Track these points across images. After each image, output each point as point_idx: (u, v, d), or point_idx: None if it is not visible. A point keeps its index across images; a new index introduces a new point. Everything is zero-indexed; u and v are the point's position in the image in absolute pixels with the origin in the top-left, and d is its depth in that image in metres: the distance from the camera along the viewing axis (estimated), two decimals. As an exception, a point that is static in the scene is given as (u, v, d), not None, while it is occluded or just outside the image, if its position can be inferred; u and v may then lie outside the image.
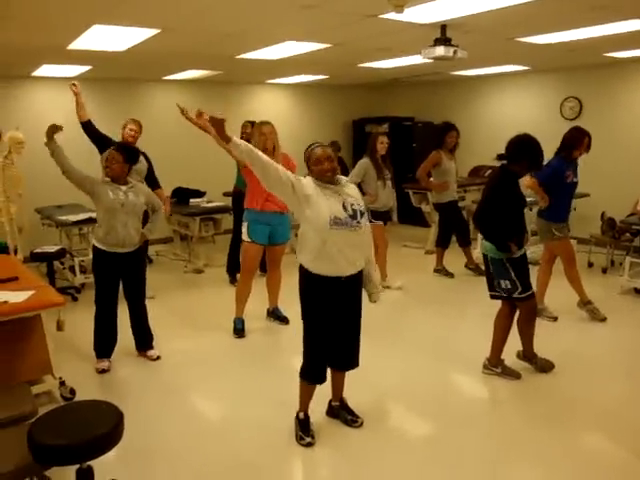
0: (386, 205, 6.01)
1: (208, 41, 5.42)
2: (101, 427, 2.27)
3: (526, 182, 4.93)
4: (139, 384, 4.11)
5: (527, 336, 4.05)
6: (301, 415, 3.32)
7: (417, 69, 8.04)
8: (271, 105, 9.91)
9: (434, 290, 6.29)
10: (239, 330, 4.90)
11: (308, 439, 3.23)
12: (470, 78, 9.26)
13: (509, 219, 3.75)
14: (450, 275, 6.56)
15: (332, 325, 3.16)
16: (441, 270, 6.63)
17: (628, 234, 6.71)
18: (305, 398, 3.31)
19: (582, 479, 2.93)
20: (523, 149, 3.72)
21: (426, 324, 5.24)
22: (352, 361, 3.32)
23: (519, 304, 3.90)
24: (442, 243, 6.63)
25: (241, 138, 2.94)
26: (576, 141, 4.87)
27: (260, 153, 2.92)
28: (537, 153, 3.71)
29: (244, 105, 9.48)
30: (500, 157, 3.83)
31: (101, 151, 5.24)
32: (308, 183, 3.03)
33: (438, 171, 6.36)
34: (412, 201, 7.98)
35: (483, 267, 4.09)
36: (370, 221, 5.95)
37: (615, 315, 5.30)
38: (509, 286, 3.80)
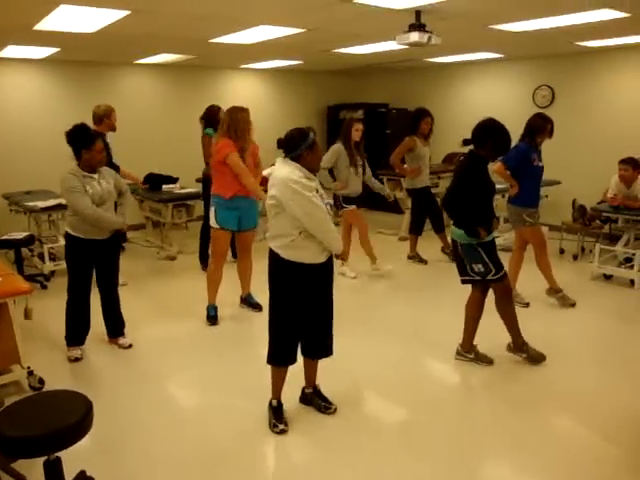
0: (357, 192, 5.99)
1: (180, 24, 5.32)
2: (69, 417, 2.23)
3: (494, 167, 4.98)
4: (111, 372, 4.06)
5: (509, 317, 4.00)
6: (274, 402, 3.31)
7: (392, 55, 8.01)
8: (245, 90, 9.80)
9: (407, 277, 6.31)
10: (212, 317, 4.86)
11: (281, 426, 3.22)
12: (445, 65, 9.27)
13: (478, 204, 3.77)
14: (424, 262, 6.60)
15: (303, 312, 3.15)
16: (415, 257, 6.67)
17: (598, 221, 6.81)
18: (277, 385, 3.30)
19: (552, 462, 2.97)
20: (486, 132, 3.73)
21: (400, 311, 5.27)
22: (324, 349, 3.33)
23: (494, 286, 3.92)
24: (415, 230, 6.66)
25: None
26: (539, 127, 4.93)
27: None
28: (501, 136, 3.71)
29: (217, 90, 9.35)
30: (465, 142, 3.86)
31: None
32: (309, 184, 3.00)
33: (412, 157, 6.36)
34: (386, 187, 7.98)
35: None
36: (342, 206, 6.04)
37: (585, 301, 5.39)
38: (482, 269, 3.82)
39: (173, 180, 7.57)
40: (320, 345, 3.31)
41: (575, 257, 6.93)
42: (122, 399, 3.66)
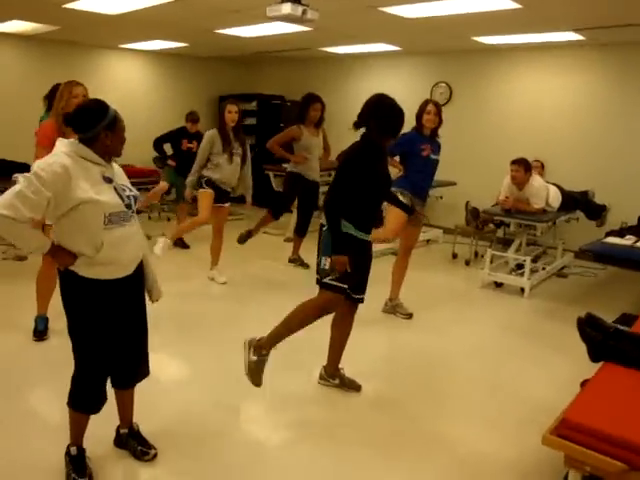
0: (228, 182, 5.27)
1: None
2: None
3: None
4: None
5: (293, 324, 3.14)
6: (73, 450, 2.54)
7: (282, 41, 7.41)
8: (125, 74, 8.92)
9: (281, 282, 5.60)
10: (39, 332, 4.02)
11: None
12: (343, 57, 8.78)
13: (361, 199, 3.09)
14: (305, 266, 5.86)
15: (114, 335, 2.43)
16: (296, 260, 6.00)
17: (492, 225, 6.51)
18: (78, 428, 2.54)
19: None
20: (369, 109, 3.13)
21: (259, 321, 4.56)
22: (141, 371, 2.63)
23: (321, 291, 3.13)
24: (300, 231, 6.00)
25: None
26: (420, 108, 4.51)
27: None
28: (387, 112, 3.10)
29: (93, 72, 8.41)
30: (355, 125, 3.23)
31: None
32: (60, 174, 2.16)
33: (298, 147, 5.68)
34: (273, 184, 7.35)
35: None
36: (201, 186, 5.15)
37: (473, 311, 5.01)
38: (327, 267, 3.06)
39: (28, 168, 6.58)
40: (136, 367, 2.61)
41: (467, 262, 6.58)
42: None
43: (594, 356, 2.71)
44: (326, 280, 3.10)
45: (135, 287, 2.49)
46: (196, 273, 5.67)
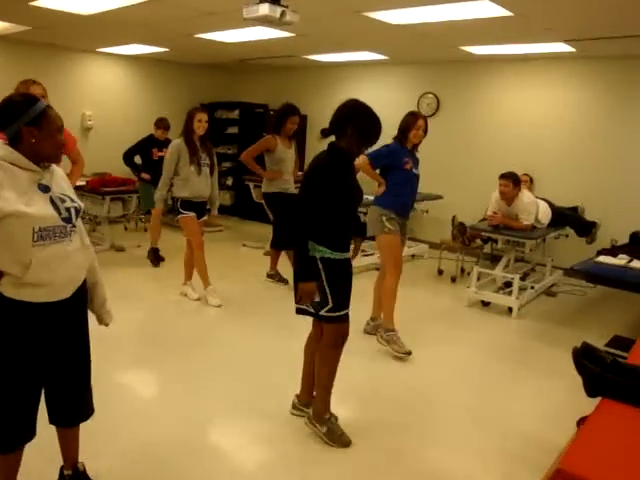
0: (201, 195, 4.98)
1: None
2: None
3: (358, 160, 4.18)
4: None
5: (325, 373, 2.94)
6: (4, 498, 2.25)
7: (265, 48, 7.18)
8: (105, 78, 8.64)
9: (258, 300, 5.27)
10: None
11: None
12: (328, 65, 8.56)
13: (332, 214, 2.79)
14: (284, 281, 5.58)
15: (40, 367, 2.12)
16: (274, 275, 5.69)
17: (479, 240, 6.27)
18: (9, 473, 2.21)
19: None
20: (346, 115, 2.84)
21: (237, 344, 4.25)
22: (84, 410, 2.32)
23: (325, 326, 2.91)
24: (277, 244, 5.69)
25: None
26: (409, 124, 4.20)
27: None
28: (366, 118, 2.83)
29: (70, 76, 8.16)
30: (324, 132, 2.94)
31: None
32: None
33: (272, 158, 5.39)
34: (253, 195, 7.08)
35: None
36: (179, 212, 5.00)
37: (458, 334, 4.74)
38: (317, 298, 2.84)
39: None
40: (77, 404, 2.29)
41: (453, 279, 6.33)
42: None
43: (591, 391, 2.46)
44: (323, 314, 2.85)
45: (73, 313, 2.17)
46: (168, 290, 5.36)
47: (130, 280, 5.71)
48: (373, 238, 4.48)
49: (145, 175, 6.67)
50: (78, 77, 8.29)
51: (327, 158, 2.84)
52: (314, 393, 3.08)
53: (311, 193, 2.78)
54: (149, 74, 9.07)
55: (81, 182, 6.78)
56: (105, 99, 8.62)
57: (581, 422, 2.32)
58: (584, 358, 2.55)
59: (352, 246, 3.12)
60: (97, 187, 6.63)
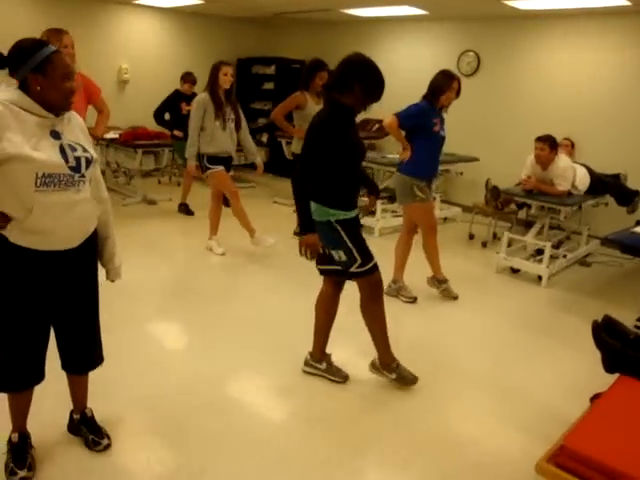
0: (226, 151, 4.97)
1: None
2: None
3: (386, 121, 4.09)
4: None
5: (377, 325, 3.03)
6: (14, 437, 2.30)
7: (301, 2, 6.97)
8: (141, 31, 8.57)
9: (282, 257, 5.24)
10: None
11: (22, 473, 2.21)
12: (366, 20, 8.29)
13: (337, 171, 2.79)
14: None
15: (46, 313, 2.16)
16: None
17: (514, 205, 6.08)
18: (18, 412, 2.29)
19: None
20: (353, 71, 2.74)
21: (261, 299, 4.29)
22: (90, 359, 2.37)
23: (359, 281, 2.96)
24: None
25: None
26: (443, 85, 4.05)
27: None
28: (373, 74, 2.74)
29: (107, 28, 8.11)
30: (326, 88, 2.86)
31: None
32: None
33: (301, 116, 5.27)
34: (285, 152, 6.99)
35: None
36: (206, 168, 5.02)
37: (485, 299, 4.64)
38: (344, 258, 2.86)
39: None
40: (84, 354, 2.34)
41: (484, 244, 6.18)
42: None
43: (609, 367, 2.37)
44: (354, 270, 2.89)
45: (80, 264, 2.18)
46: (195, 243, 5.41)
47: (158, 232, 5.81)
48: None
49: (178, 132, 6.64)
50: (114, 29, 8.25)
51: (329, 116, 2.78)
52: (376, 348, 3.13)
53: (315, 152, 2.75)
54: (185, 27, 8.97)
55: (114, 135, 6.84)
56: (141, 53, 8.58)
57: (595, 398, 2.23)
58: (605, 332, 2.46)
59: (367, 199, 3.24)
60: (129, 140, 6.68)
